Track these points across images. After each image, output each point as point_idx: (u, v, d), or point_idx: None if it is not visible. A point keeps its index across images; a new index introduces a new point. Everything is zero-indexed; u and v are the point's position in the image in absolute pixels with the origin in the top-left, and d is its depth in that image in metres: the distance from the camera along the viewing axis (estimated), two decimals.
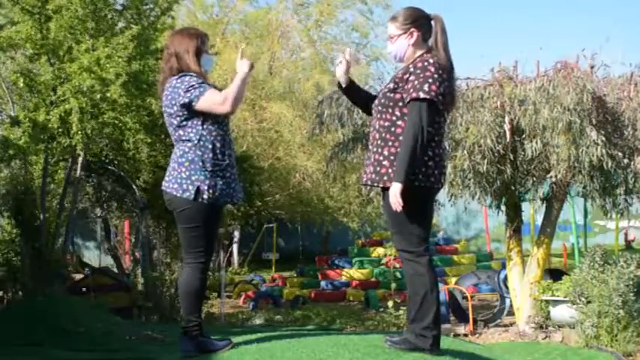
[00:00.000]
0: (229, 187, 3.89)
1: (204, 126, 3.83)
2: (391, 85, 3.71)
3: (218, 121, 3.87)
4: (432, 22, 3.77)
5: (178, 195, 3.83)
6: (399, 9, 3.89)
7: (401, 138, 3.60)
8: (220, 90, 3.90)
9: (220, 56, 14.25)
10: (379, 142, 3.69)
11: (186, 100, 3.80)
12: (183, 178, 3.83)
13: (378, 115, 3.73)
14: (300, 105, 15.59)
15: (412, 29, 3.74)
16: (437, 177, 3.66)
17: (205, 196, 3.79)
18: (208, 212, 3.83)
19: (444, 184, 3.78)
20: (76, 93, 7.86)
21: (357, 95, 4.09)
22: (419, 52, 3.74)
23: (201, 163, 3.81)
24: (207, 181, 3.80)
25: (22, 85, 8.28)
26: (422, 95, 3.54)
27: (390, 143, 3.64)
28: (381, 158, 3.66)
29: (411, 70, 3.64)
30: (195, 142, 3.83)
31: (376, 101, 3.79)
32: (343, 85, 4.04)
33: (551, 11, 48.97)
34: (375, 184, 3.73)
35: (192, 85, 3.81)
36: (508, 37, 45.79)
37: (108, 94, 7.85)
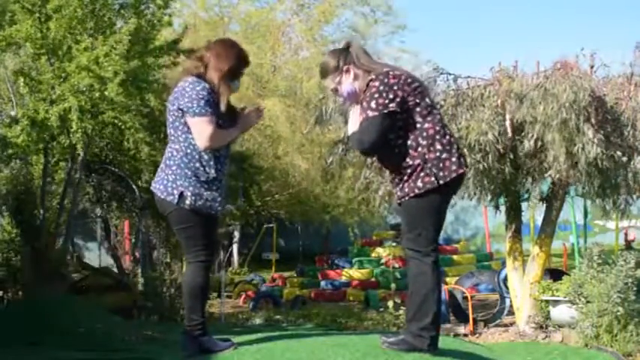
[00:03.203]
0: (215, 200, 3.83)
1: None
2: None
3: None
4: (350, 50, 3.83)
5: (162, 197, 3.82)
6: (320, 64, 3.95)
7: (403, 149, 3.64)
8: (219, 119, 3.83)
9: None
10: (386, 161, 3.84)
11: (184, 108, 3.76)
12: (169, 181, 3.81)
13: None
14: (302, 104, 15.57)
15: (343, 67, 3.79)
16: (455, 164, 3.67)
17: (188, 202, 3.76)
18: (193, 217, 3.80)
19: (463, 166, 3.76)
20: (76, 92, 7.87)
21: None
22: (365, 80, 3.76)
23: (187, 171, 3.77)
24: (190, 188, 3.76)
25: (22, 84, 8.30)
26: (370, 114, 3.60)
27: (395, 159, 3.69)
28: (400, 174, 3.71)
29: (363, 96, 3.73)
30: (184, 148, 3.79)
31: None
32: None
33: (551, 11, 48.98)
34: (402, 199, 3.74)
35: (201, 99, 3.73)
36: (508, 38, 45.79)
37: (106, 93, 7.85)
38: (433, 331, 3.68)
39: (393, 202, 4.03)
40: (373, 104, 3.60)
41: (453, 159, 3.65)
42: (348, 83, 3.78)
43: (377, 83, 3.63)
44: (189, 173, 3.77)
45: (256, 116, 3.98)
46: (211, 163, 3.81)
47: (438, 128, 3.68)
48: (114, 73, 7.78)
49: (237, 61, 3.87)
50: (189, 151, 3.79)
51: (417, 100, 3.66)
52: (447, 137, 3.71)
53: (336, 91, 3.85)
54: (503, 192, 8.44)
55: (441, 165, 3.62)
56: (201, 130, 3.73)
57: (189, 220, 3.80)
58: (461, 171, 3.69)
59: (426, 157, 3.60)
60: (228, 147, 3.97)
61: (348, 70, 3.77)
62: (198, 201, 3.77)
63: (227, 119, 3.88)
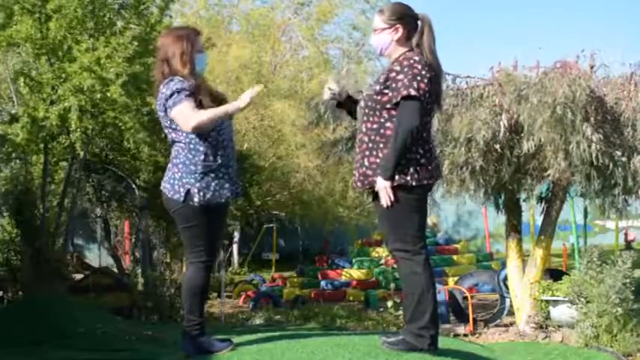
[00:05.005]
0: (222, 187, 3.84)
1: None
2: (377, 87, 3.67)
3: None
4: (419, 22, 3.74)
5: (169, 196, 3.85)
6: (388, 3, 3.87)
7: (389, 138, 3.58)
8: (200, 101, 3.81)
9: (227, 54, 14.26)
10: (370, 144, 3.66)
11: (167, 107, 3.81)
12: (175, 180, 3.83)
13: (365, 118, 3.69)
14: (303, 104, 15.59)
15: (398, 25, 3.71)
16: (430, 172, 3.66)
17: (196, 199, 3.78)
18: (201, 214, 3.80)
19: (437, 177, 3.79)
20: (76, 92, 7.88)
21: (352, 106, 3.97)
22: (401, 50, 3.71)
23: (192, 167, 3.80)
24: (197, 184, 3.78)
25: (22, 84, 8.31)
26: (412, 92, 3.52)
27: (382, 145, 3.62)
28: (378, 161, 3.63)
29: (397, 68, 3.61)
30: (186, 144, 3.82)
31: (362, 103, 3.75)
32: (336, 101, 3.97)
33: (552, 11, 48.99)
34: (373, 188, 3.70)
35: (172, 92, 3.78)
36: (508, 38, 45.79)
37: (108, 94, 7.86)
38: (433, 329, 3.67)
39: (355, 183, 3.85)
40: (415, 84, 3.53)
41: (429, 167, 3.65)
42: (388, 38, 3.72)
43: (419, 66, 3.58)
44: (194, 168, 3.80)
45: (250, 95, 3.83)
46: (215, 150, 3.83)
47: (425, 134, 3.68)
48: (116, 74, 7.79)
49: (181, 41, 3.89)
50: (192, 145, 3.82)
51: (428, 103, 3.65)
52: (430, 145, 3.72)
53: (375, 30, 3.78)
54: (501, 192, 8.44)
55: (417, 168, 3.60)
56: (182, 116, 3.76)
57: (196, 217, 3.82)
58: (431, 181, 3.70)
59: (406, 155, 3.59)
60: (230, 131, 3.97)
61: (397, 30, 3.71)
62: (206, 194, 3.79)
63: (214, 102, 3.89)
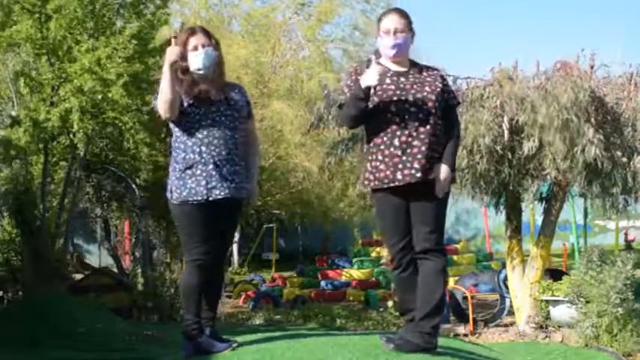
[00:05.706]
0: (198, 184, 3.75)
1: (178, 127, 3.85)
2: (440, 86, 3.77)
3: (188, 119, 3.80)
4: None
5: (166, 194, 3.90)
6: (403, 9, 3.89)
7: (442, 134, 3.77)
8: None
9: (227, 54, 14.24)
10: (435, 138, 3.69)
11: None
12: (168, 179, 3.90)
13: (433, 111, 3.69)
14: (303, 103, 15.57)
15: (414, 33, 3.85)
16: None
17: (174, 197, 3.81)
18: (183, 212, 3.80)
19: None
20: (77, 93, 7.88)
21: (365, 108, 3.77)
22: (406, 60, 3.85)
23: (175, 164, 3.85)
24: (176, 182, 3.81)
25: (22, 85, 8.31)
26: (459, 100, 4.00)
27: (443, 141, 3.76)
28: (436, 155, 3.73)
29: (441, 74, 3.85)
30: (173, 142, 3.89)
31: (429, 96, 3.70)
32: (367, 86, 3.67)
33: (552, 11, 48.99)
34: (424, 175, 3.74)
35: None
36: (508, 38, 45.80)
37: (109, 95, 7.86)
38: (439, 328, 3.76)
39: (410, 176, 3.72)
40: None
41: None
42: (409, 43, 3.82)
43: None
44: (176, 166, 3.84)
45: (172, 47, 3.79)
46: (194, 147, 3.80)
47: None
48: (117, 75, 7.78)
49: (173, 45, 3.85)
50: (176, 144, 3.87)
51: None
52: None
53: (402, 32, 3.77)
54: (502, 193, 8.44)
55: None
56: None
57: (180, 216, 3.83)
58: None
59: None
60: (227, 127, 3.85)
61: (412, 39, 3.85)
62: (182, 192, 3.78)
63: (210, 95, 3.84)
